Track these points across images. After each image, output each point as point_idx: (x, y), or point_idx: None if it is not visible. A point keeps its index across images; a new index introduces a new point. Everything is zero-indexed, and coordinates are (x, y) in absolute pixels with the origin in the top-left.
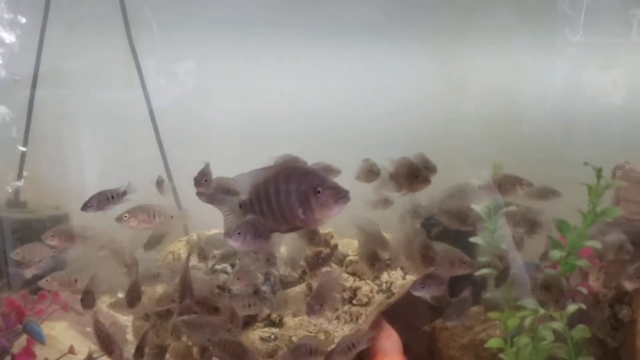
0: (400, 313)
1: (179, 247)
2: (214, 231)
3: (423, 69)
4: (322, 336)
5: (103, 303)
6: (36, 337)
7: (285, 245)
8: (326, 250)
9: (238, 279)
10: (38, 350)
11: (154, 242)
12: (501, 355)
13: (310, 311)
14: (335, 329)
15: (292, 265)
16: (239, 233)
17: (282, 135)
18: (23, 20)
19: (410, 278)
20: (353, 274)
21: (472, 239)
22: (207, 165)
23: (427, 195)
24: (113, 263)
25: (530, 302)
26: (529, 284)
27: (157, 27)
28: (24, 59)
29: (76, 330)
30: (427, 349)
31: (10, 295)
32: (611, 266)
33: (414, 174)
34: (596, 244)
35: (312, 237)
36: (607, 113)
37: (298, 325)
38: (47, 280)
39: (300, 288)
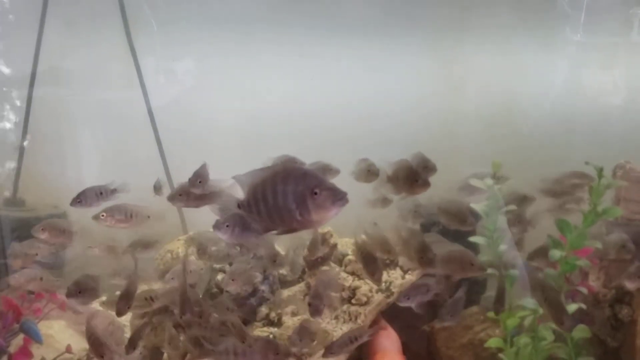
0: (399, 312)
1: (177, 246)
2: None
3: (423, 68)
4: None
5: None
6: (33, 336)
7: (284, 246)
8: (325, 250)
9: (233, 280)
10: (35, 349)
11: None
12: (501, 355)
13: (315, 311)
14: (334, 328)
15: (293, 267)
16: (227, 225)
17: (282, 135)
18: (21, 18)
19: (409, 278)
20: (352, 273)
21: (472, 239)
22: (203, 166)
23: (427, 195)
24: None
25: (530, 302)
26: (529, 284)
27: (157, 25)
28: (21, 57)
29: (73, 330)
30: (426, 349)
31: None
32: (611, 266)
33: (413, 177)
34: (596, 244)
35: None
36: (608, 113)
37: (297, 325)
38: (15, 277)
39: (299, 287)
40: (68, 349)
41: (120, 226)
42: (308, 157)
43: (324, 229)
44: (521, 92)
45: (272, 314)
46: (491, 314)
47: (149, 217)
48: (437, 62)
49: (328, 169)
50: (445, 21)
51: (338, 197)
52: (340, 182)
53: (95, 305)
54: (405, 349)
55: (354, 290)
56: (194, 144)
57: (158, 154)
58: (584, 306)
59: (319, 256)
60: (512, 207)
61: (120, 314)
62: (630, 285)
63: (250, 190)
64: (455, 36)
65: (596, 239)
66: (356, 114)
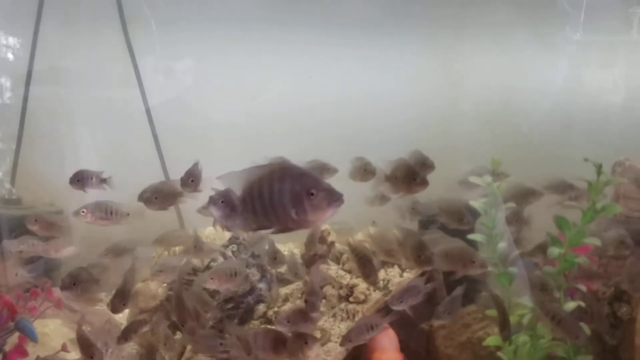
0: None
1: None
2: (209, 228)
3: (422, 66)
4: (318, 334)
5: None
6: (28, 334)
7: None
8: (323, 248)
9: (212, 279)
10: (30, 348)
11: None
12: (499, 354)
13: (311, 307)
14: (332, 326)
15: (293, 270)
16: (222, 202)
17: (280, 133)
18: (17, 16)
19: (408, 275)
20: (350, 271)
21: (471, 236)
22: (195, 164)
23: (425, 192)
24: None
25: (528, 300)
26: (528, 282)
27: (155, 24)
28: (18, 55)
29: (69, 328)
30: (424, 347)
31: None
32: (611, 263)
33: (412, 176)
34: (595, 241)
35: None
36: (607, 111)
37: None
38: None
39: (296, 285)
40: (64, 348)
41: (100, 223)
42: (306, 155)
43: (322, 226)
44: (520, 90)
45: (270, 312)
46: (489, 312)
47: (128, 214)
48: (436, 60)
49: (326, 168)
50: (444, 19)
51: (334, 198)
52: (339, 180)
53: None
54: (404, 347)
55: (351, 289)
56: (191, 142)
57: (155, 152)
58: (582, 304)
59: (317, 254)
60: (511, 204)
61: (115, 311)
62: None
63: (246, 188)
64: (454, 34)
65: (595, 236)
66: (355, 112)
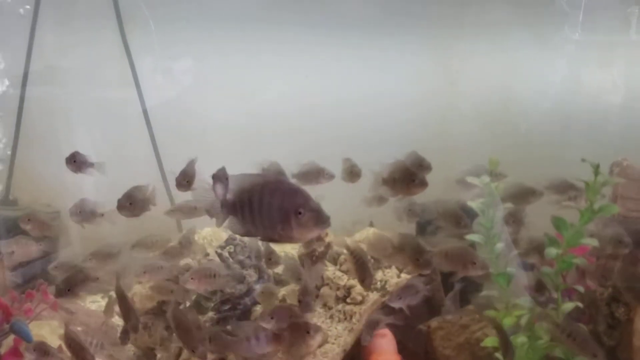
0: (395, 312)
1: None
2: (207, 229)
3: (421, 65)
4: None
5: (95, 303)
6: (24, 336)
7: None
8: (320, 249)
9: (192, 279)
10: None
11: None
12: (497, 355)
13: (305, 307)
14: (329, 327)
15: (295, 275)
16: (226, 179)
17: (278, 133)
18: (13, 16)
19: (405, 276)
20: (347, 272)
21: (469, 237)
22: (191, 162)
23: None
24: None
25: (526, 301)
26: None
27: (154, 24)
28: (14, 55)
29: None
30: (422, 348)
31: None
32: (608, 263)
33: (410, 178)
34: (593, 242)
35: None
36: (606, 111)
37: None
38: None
39: (294, 286)
40: (59, 350)
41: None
42: (305, 155)
43: None
44: (519, 90)
45: None
46: (488, 313)
47: (102, 215)
48: (435, 60)
49: (322, 173)
50: (443, 19)
51: (320, 220)
52: (338, 179)
53: (89, 305)
54: (401, 348)
55: (349, 289)
56: (189, 142)
57: (153, 152)
58: (580, 305)
59: (314, 253)
60: (508, 204)
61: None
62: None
63: (237, 193)
64: (454, 34)
65: (593, 236)
66: (354, 112)
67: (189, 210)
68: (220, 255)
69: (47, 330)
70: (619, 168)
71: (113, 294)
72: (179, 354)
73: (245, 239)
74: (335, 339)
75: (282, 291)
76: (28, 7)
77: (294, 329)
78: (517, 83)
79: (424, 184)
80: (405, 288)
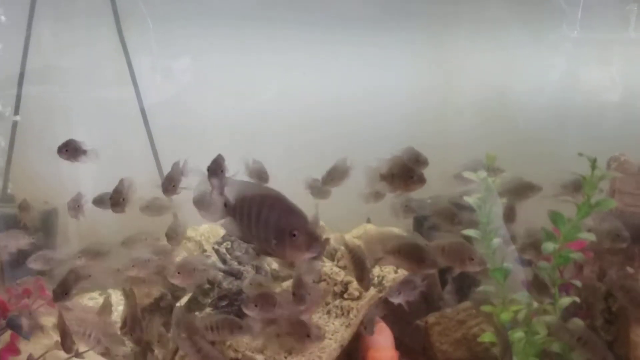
0: (392, 307)
1: None
2: (204, 225)
3: (418, 63)
4: None
5: (92, 300)
6: (20, 332)
7: None
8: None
9: (179, 273)
10: (22, 346)
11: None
12: (494, 350)
13: (299, 300)
14: (327, 323)
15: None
16: (222, 172)
17: (276, 131)
18: (9, 14)
19: (402, 272)
20: (345, 267)
21: (465, 232)
22: (175, 165)
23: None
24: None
25: (524, 296)
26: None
27: (151, 22)
28: (11, 53)
29: None
30: (419, 344)
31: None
32: (606, 257)
33: (408, 174)
34: (590, 236)
35: None
36: (603, 108)
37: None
38: None
39: (291, 282)
40: (57, 346)
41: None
42: (303, 153)
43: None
44: (517, 88)
45: None
46: (484, 307)
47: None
48: (432, 57)
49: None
50: (441, 16)
51: (313, 244)
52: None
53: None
54: (399, 343)
55: (346, 285)
56: (186, 141)
57: (150, 150)
58: (577, 299)
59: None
60: (503, 200)
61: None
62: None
63: (238, 199)
64: (451, 31)
65: (591, 230)
66: (352, 109)
67: (159, 208)
68: (217, 251)
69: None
70: (617, 163)
71: (111, 292)
72: (175, 351)
73: None
74: (332, 335)
75: (280, 287)
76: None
77: (297, 327)
78: (515, 81)
79: (422, 180)
80: (403, 283)
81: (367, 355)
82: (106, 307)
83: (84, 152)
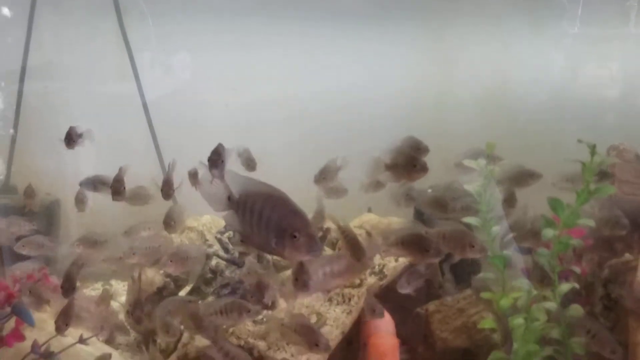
0: (393, 295)
1: None
2: (206, 216)
3: (418, 55)
4: (314, 318)
5: (95, 290)
6: (25, 318)
7: None
8: (319, 234)
9: (171, 262)
10: (27, 332)
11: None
12: (494, 336)
13: (302, 286)
14: (328, 310)
15: None
16: (222, 162)
17: (275, 122)
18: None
19: (403, 261)
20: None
21: (465, 220)
22: (169, 169)
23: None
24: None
25: (523, 283)
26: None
27: (151, 17)
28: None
29: None
30: (420, 331)
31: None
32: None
33: (411, 163)
34: (589, 222)
35: None
36: (603, 104)
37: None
38: None
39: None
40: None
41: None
42: (302, 144)
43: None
44: (516, 83)
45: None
46: (484, 294)
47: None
48: (431, 49)
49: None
50: (440, 8)
51: (312, 247)
52: None
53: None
54: (399, 331)
55: None
56: (188, 134)
57: (152, 143)
58: (577, 286)
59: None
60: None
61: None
62: None
63: (242, 195)
64: (451, 24)
65: (591, 217)
66: (349, 100)
67: (144, 197)
68: (219, 241)
69: (49, 313)
70: (616, 151)
71: (113, 284)
72: (178, 339)
73: None
74: (333, 321)
75: (281, 276)
76: None
77: (306, 334)
78: (515, 76)
79: (425, 169)
80: (410, 274)
81: (368, 342)
82: (105, 297)
83: (80, 135)
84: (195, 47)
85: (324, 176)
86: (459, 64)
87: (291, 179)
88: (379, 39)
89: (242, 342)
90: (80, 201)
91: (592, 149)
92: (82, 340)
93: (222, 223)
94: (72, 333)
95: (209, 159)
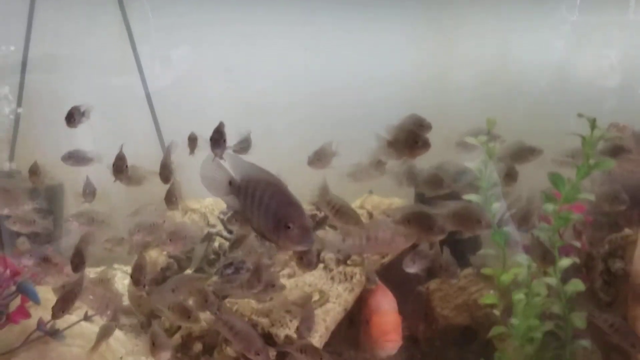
0: (394, 273)
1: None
2: (208, 199)
3: (418, 42)
4: (317, 296)
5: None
6: (31, 296)
7: None
8: (321, 214)
9: (171, 240)
10: (33, 311)
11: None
12: (495, 311)
13: (307, 264)
14: (330, 288)
15: None
16: (223, 141)
17: (275, 110)
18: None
19: None
20: None
21: (466, 197)
22: (167, 151)
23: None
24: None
25: (523, 258)
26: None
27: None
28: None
29: None
30: (421, 309)
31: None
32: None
33: (413, 139)
34: (589, 196)
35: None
36: (603, 91)
37: (293, 286)
38: None
39: None
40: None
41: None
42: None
43: None
44: (517, 69)
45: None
46: (485, 271)
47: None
48: (431, 32)
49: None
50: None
51: (305, 239)
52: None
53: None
54: (401, 309)
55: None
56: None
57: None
58: (577, 260)
59: (314, 215)
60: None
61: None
62: None
63: (243, 180)
64: (451, 6)
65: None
66: (350, 83)
67: (139, 178)
68: (222, 221)
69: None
70: (616, 128)
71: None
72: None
73: None
74: (336, 298)
75: (284, 256)
76: None
77: (310, 353)
78: (516, 62)
79: (427, 145)
80: (416, 253)
81: (370, 320)
82: (103, 279)
83: (82, 113)
84: (195, 37)
85: (318, 158)
86: (459, 48)
87: (291, 162)
88: (380, 21)
89: (246, 319)
90: (90, 194)
91: (592, 123)
92: (87, 318)
93: (224, 205)
94: (77, 311)
95: (211, 138)
